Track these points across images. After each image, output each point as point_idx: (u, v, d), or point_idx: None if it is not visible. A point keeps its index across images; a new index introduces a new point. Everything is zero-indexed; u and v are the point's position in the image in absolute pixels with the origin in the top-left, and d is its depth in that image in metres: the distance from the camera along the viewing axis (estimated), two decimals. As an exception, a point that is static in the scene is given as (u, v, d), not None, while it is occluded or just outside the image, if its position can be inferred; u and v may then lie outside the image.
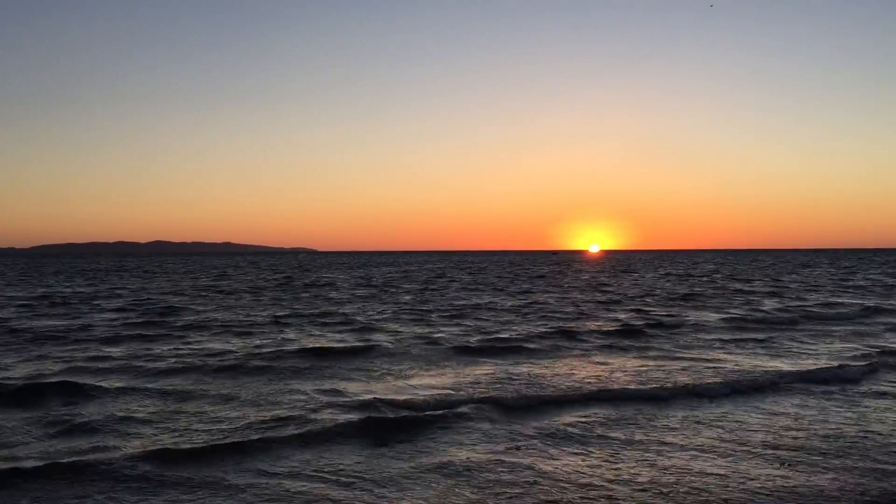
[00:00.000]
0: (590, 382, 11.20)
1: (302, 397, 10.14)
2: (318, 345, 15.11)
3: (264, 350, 14.47)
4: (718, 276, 51.85)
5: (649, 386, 10.79)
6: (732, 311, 23.34)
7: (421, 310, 23.88)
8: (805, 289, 35.19)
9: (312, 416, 8.90)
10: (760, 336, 17.08)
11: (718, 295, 30.81)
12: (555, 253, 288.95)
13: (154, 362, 13.03)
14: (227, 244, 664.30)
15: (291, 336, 17.11)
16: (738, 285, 38.60)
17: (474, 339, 16.18)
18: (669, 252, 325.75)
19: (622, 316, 21.73)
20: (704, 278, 47.76)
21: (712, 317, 21.18)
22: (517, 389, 10.54)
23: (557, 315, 22.03)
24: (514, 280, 47.15)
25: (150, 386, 10.95)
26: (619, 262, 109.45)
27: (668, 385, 10.80)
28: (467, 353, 14.36)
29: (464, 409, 9.21)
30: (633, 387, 10.75)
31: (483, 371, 12.22)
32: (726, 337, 16.94)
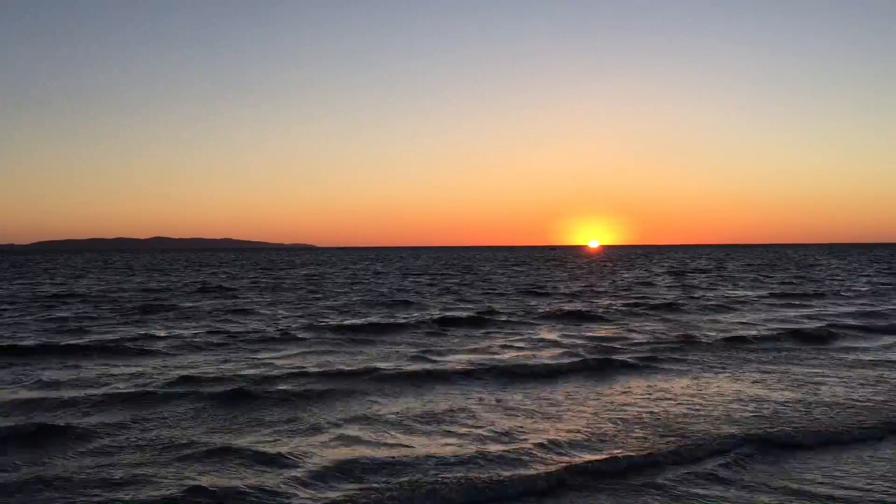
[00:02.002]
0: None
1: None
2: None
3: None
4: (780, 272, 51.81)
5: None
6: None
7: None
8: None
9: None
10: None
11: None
12: (553, 248, 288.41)
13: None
14: (227, 240, 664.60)
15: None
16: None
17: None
18: (669, 247, 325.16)
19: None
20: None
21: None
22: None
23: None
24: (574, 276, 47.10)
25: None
26: (635, 257, 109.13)
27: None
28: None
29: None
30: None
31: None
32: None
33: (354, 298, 28.44)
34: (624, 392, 10.45)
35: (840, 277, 42.58)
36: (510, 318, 20.41)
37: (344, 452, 7.40)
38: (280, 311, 23.14)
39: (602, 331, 17.97)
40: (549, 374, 11.80)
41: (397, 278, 46.17)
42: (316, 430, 8.32)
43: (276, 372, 11.74)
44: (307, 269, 66.29)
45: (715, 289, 33.46)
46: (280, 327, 18.30)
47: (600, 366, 12.44)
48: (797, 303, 25.51)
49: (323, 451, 7.42)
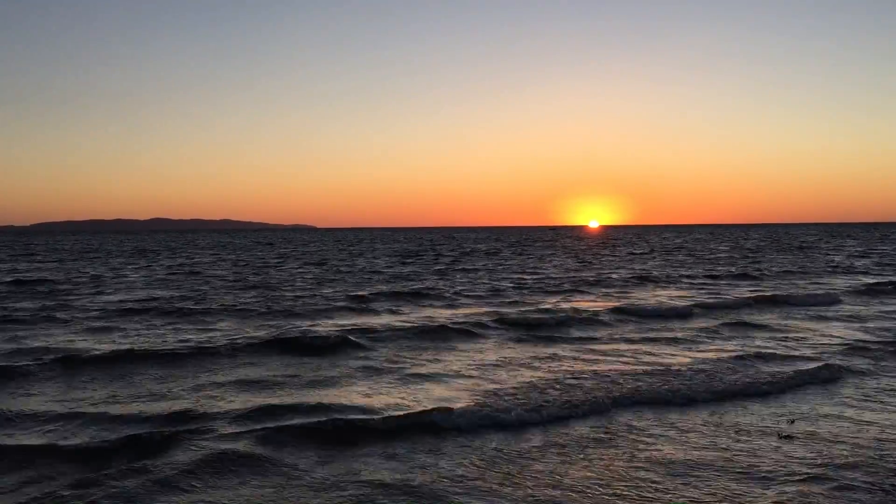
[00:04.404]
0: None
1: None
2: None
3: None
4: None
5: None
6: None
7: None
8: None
9: None
10: None
11: None
12: (553, 228, 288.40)
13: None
14: (226, 221, 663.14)
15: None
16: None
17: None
18: (671, 227, 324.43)
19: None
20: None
21: None
22: None
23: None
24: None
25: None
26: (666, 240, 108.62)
27: None
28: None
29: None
30: None
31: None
32: None
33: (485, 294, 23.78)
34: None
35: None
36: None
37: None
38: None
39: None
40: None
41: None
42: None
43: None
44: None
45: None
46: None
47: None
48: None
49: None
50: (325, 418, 7.75)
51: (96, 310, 17.81)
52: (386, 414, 7.98)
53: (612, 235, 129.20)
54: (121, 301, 20.02)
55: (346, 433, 7.36)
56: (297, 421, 7.69)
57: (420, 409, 8.17)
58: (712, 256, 44.91)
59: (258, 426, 7.51)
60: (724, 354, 11.69)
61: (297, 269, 35.77)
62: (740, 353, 11.70)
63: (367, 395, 9.10)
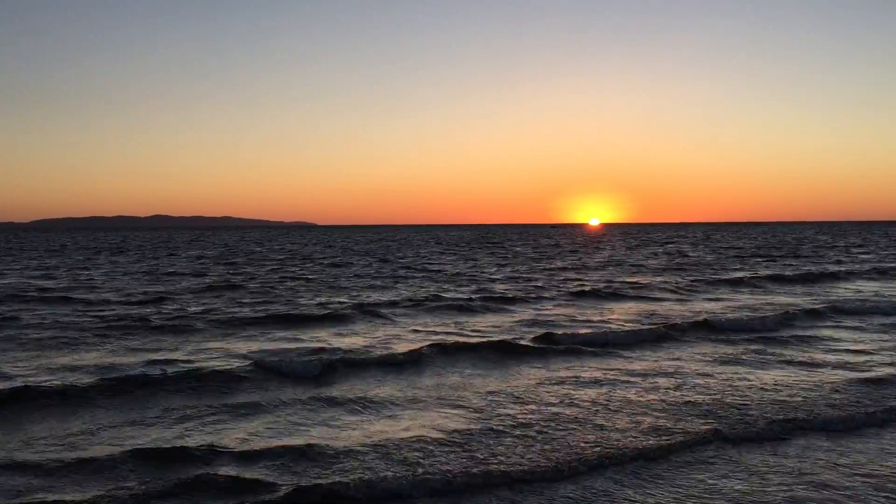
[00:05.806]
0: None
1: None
2: None
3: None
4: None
5: None
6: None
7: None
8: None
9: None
10: None
11: None
12: (553, 227, 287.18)
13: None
14: (227, 218, 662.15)
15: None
16: None
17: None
18: (671, 225, 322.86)
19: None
20: None
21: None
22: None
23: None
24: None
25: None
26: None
27: None
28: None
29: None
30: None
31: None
32: None
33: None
34: None
35: None
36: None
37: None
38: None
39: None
40: None
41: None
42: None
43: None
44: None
45: None
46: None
47: None
48: None
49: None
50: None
51: (51, 323, 15.58)
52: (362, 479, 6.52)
53: (614, 233, 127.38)
54: (81, 312, 17.81)
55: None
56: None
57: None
58: (730, 256, 42.98)
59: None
60: (836, 377, 10.02)
61: (286, 270, 33.88)
62: (861, 377, 9.96)
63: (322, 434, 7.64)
